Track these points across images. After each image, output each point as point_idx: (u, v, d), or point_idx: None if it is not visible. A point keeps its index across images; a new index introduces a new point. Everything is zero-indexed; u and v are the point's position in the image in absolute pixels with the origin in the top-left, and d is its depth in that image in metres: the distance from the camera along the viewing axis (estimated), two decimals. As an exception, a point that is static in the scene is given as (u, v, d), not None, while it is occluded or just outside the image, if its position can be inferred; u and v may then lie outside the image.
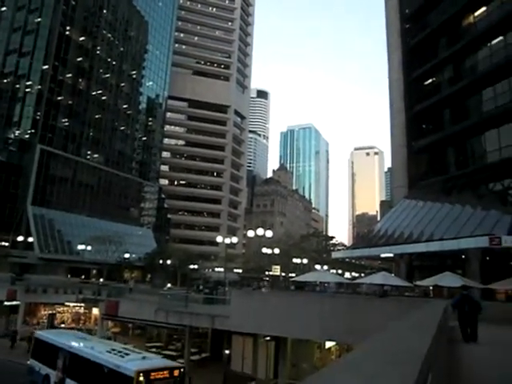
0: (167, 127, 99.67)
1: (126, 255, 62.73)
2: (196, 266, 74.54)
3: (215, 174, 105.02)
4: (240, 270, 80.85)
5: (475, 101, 38.84)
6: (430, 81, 45.30)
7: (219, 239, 46.15)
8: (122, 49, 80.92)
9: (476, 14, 39.43)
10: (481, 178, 34.99)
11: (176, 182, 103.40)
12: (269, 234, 40.04)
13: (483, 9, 38.57)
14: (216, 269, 79.50)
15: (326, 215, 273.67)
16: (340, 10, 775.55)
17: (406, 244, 33.48)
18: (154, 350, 31.25)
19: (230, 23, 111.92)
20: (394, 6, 49.84)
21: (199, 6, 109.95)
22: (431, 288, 31.90)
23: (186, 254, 69.73)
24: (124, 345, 24.02)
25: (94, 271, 63.31)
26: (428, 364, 2.69)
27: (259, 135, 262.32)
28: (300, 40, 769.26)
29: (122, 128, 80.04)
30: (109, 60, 77.16)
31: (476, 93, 38.08)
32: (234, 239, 47.24)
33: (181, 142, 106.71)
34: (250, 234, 42.35)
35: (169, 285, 56.52)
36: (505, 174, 32.34)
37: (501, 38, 35.84)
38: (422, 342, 3.18)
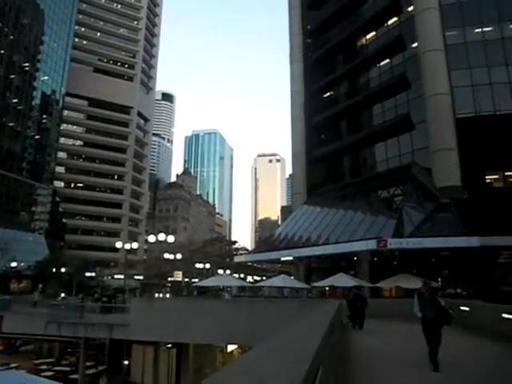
0: (64, 126, 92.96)
1: (13, 264, 57.14)
2: (93, 274, 70.42)
3: (116, 176, 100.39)
4: (141, 277, 78.20)
5: (367, 115, 42.39)
6: (328, 94, 48.33)
7: (119, 245, 44.26)
8: (12, 37, 73.78)
9: (368, 37, 43.18)
10: (371, 186, 38.10)
11: (73, 185, 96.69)
12: (171, 239, 39.35)
13: (373, 33, 42.39)
14: (116, 276, 75.94)
15: (230, 220, 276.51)
16: (249, 19, 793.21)
17: (305, 247, 35.15)
18: (44, 366, 28.87)
19: (135, 22, 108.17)
20: (297, 20, 52.40)
21: (103, 0, 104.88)
22: (327, 288, 33.87)
23: (83, 261, 65.61)
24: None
25: (-27, 283, 56.60)
26: (318, 360, 2.88)
27: (163, 138, 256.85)
28: (207, 46, 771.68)
29: (11, 124, 72.82)
30: (-4, 49, 69.98)
31: (368, 108, 41.57)
32: (135, 245, 45.52)
33: (79, 143, 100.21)
34: (152, 239, 41.21)
35: (62, 294, 52.60)
36: (391, 183, 35.61)
37: (388, 60, 39.70)
38: (314, 340, 3.39)
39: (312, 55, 49.37)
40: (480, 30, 35.50)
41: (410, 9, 37.48)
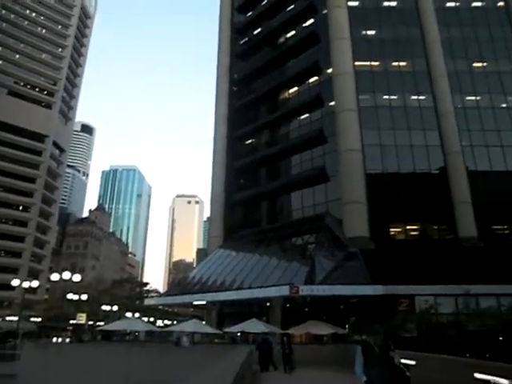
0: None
1: None
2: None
3: (21, 207, 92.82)
4: (39, 319, 71.37)
5: (286, 164, 44.28)
6: (250, 140, 49.88)
7: (16, 282, 40.35)
8: None
9: (290, 91, 45.99)
10: (287, 233, 39.20)
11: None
12: (76, 278, 36.99)
13: (295, 88, 45.29)
14: (8, 317, 68.52)
15: (143, 260, 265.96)
16: (179, 60, 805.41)
17: (219, 292, 34.70)
18: None
19: (60, 49, 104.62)
20: (225, 68, 54.20)
21: (26, 22, 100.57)
22: (239, 334, 33.45)
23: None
24: None
25: None
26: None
27: (79, 171, 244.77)
28: (133, 82, 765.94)
29: None
30: None
31: (287, 157, 43.54)
32: (35, 283, 41.79)
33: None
34: (55, 277, 38.31)
35: None
36: (305, 231, 36.97)
37: (307, 115, 42.44)
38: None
39: (237, 102, 51.04)
40: (387, 96, 39.67)
41: (329, 71, 40.84)
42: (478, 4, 45.04)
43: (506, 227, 36.25)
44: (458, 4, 44.86)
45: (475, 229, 34.14)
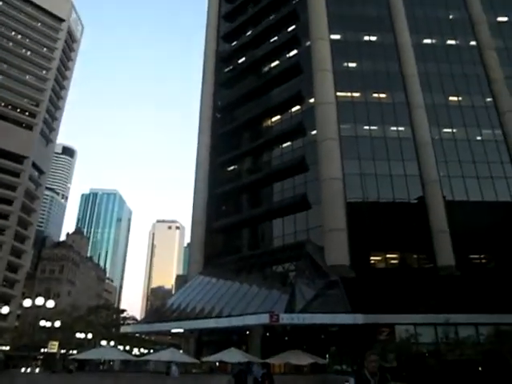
0: None
1: None
2: None
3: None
4: (7, 348, 68.47)
5: (268, 191, 44.43)
6: (232, 167, 50.04)
7: (-15, 309, 38.89)
8: None
9: (273, 119, 46.71)
10: (267, 261, 38.99)
11: None
12: (50, 304, 35.85)
13: (278, 116, 46.03)
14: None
15: (121, 286, 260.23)
16: (163, 85, 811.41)
17: (197, 320, 34.01)
18: None
19: (44, 71, 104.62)
20: (209, 95, 54.83)
21: (11, 44, 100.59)
22: (217, 364, 32.70)
23: None
24: None
25: None
26: None
27: (58, 194, 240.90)
28: (117, 105, 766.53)
29: None
30: None
31: (268, 185, 43.75)
32: (5, 309, 40.34)
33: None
34: (27, 303, 37.02)
35: None
36: (286, 259, 36.86)
37: (289, 143, 43.03)
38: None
39: (220, 129, 51.40)
40: (368, 127, 40.60)
41: (312, 100, 41.69)
42: (453, 42, 47.12)
43: (482, 256, 36.86)
44: (434, 41, 46.83)
45: (453, 258, 34.57)
